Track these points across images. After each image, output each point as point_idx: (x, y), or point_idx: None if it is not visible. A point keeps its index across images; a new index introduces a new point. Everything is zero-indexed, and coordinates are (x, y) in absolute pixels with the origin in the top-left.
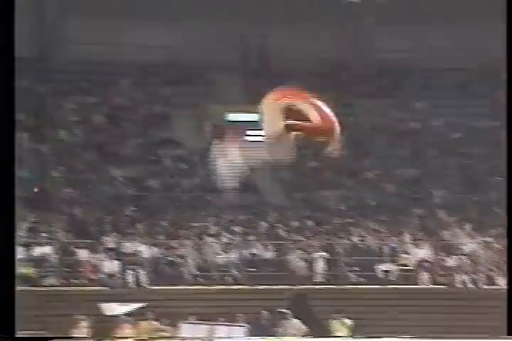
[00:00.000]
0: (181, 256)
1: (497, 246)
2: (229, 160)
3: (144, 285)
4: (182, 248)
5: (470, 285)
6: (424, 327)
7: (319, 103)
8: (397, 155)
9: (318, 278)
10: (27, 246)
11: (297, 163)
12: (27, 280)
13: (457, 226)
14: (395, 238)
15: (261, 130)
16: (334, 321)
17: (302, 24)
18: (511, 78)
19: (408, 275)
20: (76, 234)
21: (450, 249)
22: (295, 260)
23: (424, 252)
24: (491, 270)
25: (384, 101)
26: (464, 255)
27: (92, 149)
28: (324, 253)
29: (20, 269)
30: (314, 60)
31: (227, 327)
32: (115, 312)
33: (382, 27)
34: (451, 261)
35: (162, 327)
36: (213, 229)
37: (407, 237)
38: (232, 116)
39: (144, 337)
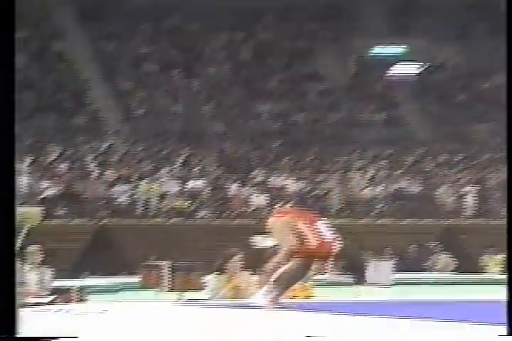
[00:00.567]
0: (327, 190)
1: None
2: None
3: None
4: (327, 182)
5: None
6: None
7: (320, 225)
8: None
9: (468, 213)
10: (181, 179)
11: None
12: (181, 212)
13: None
14: None
15: (407, 63)
16: (485, 256)
17: None
18: (511, 78)
19: None
20: (226, 168)
21: None
22: (444, 194)
23: None
24: None
25: None
26: None
27: (239, 85)
28: (475, 188)
29: (175, 202)
30: None
31: (374, 261)
32: (264, 245)
33: None
34: None
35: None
36: (358, 164)
37: None
38: (378, 50)
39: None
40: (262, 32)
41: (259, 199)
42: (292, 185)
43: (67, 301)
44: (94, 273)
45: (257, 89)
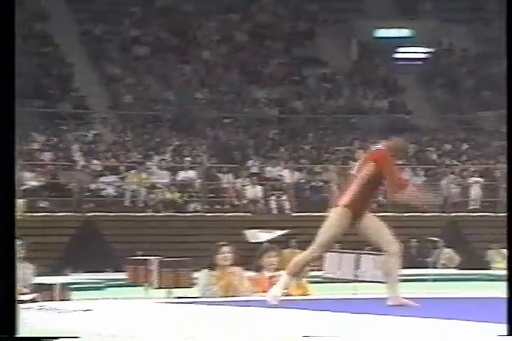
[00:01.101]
0: (325, 181)
1: None
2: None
3: (287, 211)
4: (326, 173)
5: None
6: None
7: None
8: None
9: (474, 205)
10: (172, 170)
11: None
12: (172, 205)
13: None
14: None
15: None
16: (491, 251)
17: None
18: (511, 77)
19: None
20: (219, 158)
21: None
22: (448, 185)
23: None
24: None
25: None
26: None
27: (235, 69)
28: (480, 179)
29: (166, 194)
30: None
31: (372, 257)
32: (258, 239)
33: None
34: None
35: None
36: (359, 154)
37: None
38: (382, 32)
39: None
40: (259, 13)
41: (254, 191)
42: (290, 176)
43: (50, 299)
44: (78, 268)
45: (254, 74)
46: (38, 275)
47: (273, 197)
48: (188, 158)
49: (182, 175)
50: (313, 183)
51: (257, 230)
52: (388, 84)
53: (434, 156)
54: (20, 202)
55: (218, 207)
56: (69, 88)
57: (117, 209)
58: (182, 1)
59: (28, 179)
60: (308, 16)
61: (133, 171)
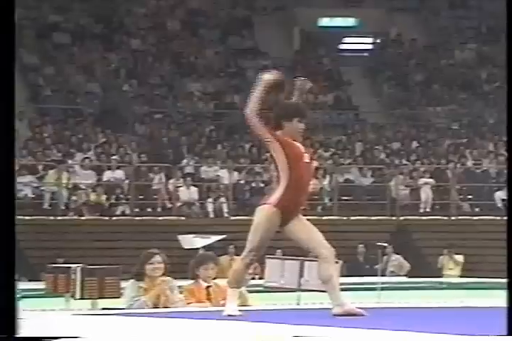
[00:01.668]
0: (267, 182)
1: None
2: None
3: (225, 215)
4: (267, 173)
5: None
6: None
7: None
8: None
9: (425, 208)
10: (97, 169)
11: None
12: (97, 207)
13: None
14: None
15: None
16: (443, 257)
17: None
18: (511, 78)
19: None
20: (150, 156)
21: None
22: (397, 187)
23: None
24: None
25: None
26: None
27: (166, 60)
28: (431, 180)
29: (90, 195)
30: None
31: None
32: (193, 245)
33: None
34: None
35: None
36: None
37: None
38: (326, 21)
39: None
40: None
41: (188, 193)
42: (228, 176)
43: None
44: None
45: (187, 66)
46: None
47: (209, 200)
48: (114, 157)
49: (108, 175)
50: (254, 184)
51: (192, 235)
52: (333, 77)
53: (382, 155)
54: None
55: (149, 210)
56: None
57: (35, 212)
58: None
59: None
60: (246, 3)
61: (52, 170)
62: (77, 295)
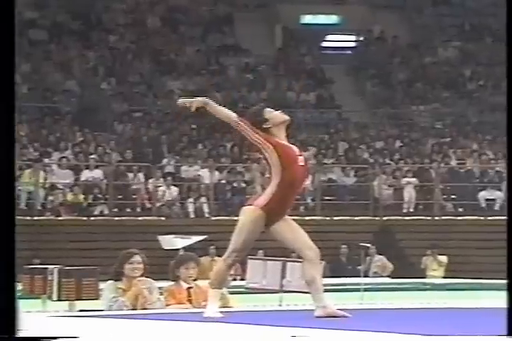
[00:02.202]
0: (248, 182)
1: None
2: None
3: (206, 215)
4: (249, 172)
5: None
6: None
7: None
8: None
9: (408, 208)
10: (74, 168)
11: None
12: (75, 207)
13: None
14: (501, 161)
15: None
16: (426, 258)
17: None
18: (511, 78)
19: None
20: (129, 155)
21: None
22: (380, 186)
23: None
24: None
25: None
26: None
27: (146, 57)
28: (414, 179)
29: (67, 195)
30: None
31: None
32: (174, 246)
33: None
34: None
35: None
36: None
37: None
38: (308, 19)
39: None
40: None
41: (168, 193)
42: (208, 176)
43: None
44: None
45: (167, 63)
46: None
47: (190, 200)
48: (93, 156)
49: (86, 174)
50: (235, 184)
51: (172, 236)
52: (315, 75)
53: (365, 155)
54: None
55: (128, 210)
56: None
57: None
58: None
59: None
60: (227, 0)
61: (28, 170)
62: (54, 297)
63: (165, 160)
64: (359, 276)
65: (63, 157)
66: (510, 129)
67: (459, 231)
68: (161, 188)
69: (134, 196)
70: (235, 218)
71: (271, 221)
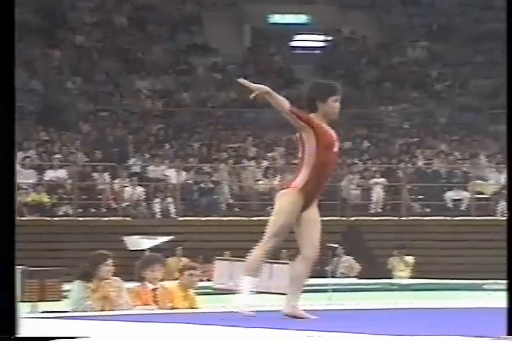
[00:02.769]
0: (216, 183)
1: None
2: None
3: (173, 215)
4: (216, 173)
5: None
6: (500, 265)
7: None
8: (474, 63)
9: (376, 208)
10: (38, 168)
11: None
12: (39, 208)
13: None
14: (468, 161)
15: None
16: (393, 258)
17: None
18: (511, 77)
19: (484, 205)
20: (94, 155)
21: None
22: (348, 186)
23: (504, 177)
24: None
25: None
26: None
27: (113, 56)
28: (382, 179)
29: (31, 195)
30: None
31: (268, 265)
32: (140, 247)
33: None
34: None
35: (192, 264)
36: (253, 151)
37: (483, 160)
38: (277, 18)
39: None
40: None
41: (135, 193)
42: (176, 176)
43: None
44: None
45: (134, 62)
46: None
47: (157, 200)
48: (57, 156)
49: (50, 174)
50: (203, 184)
51: (138, 236)
52: (284, 75)
53: None
54: None
55: (93, 210)
56: None
57: None
58: None
59: None
60: None
61: None
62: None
63: (131, 160)
64: (326, 277)
65: (27, 156)
66: (510, 129)
67: (425, 232)
68: (127, 188)
69: (100, 196)
70: (203, 218)
71: (306, 204)
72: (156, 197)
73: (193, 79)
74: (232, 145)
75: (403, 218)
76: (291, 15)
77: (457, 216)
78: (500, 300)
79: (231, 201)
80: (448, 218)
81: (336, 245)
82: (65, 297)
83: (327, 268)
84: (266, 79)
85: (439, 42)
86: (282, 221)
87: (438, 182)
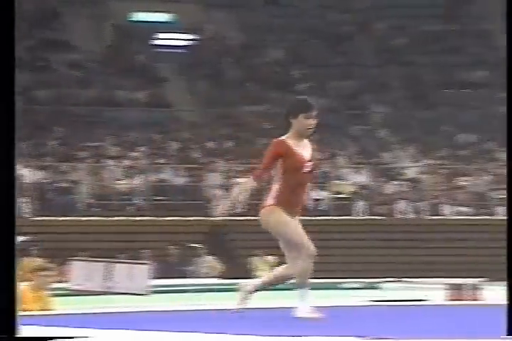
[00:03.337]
0: (74, 182)
1: (443, 170)
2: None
3: (27, 215)
4: (75, 172)
5: (412, 215)
6: (359, 264)
7: None
8: (333, 64)
9: (238, 209)
10: None
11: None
12: None
13: (400, 147)
14: (327, 161)
15: (172, 32)
16: (255, 258)
17: None
18: (511, 77)
19: (342, 205)
20: None
21: (391, 174)
22: (212, 186)
23: (361, 178)
24: (435, 197)
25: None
26: (407, 180)
27: None
28: (246, 179)
29: None
30: None
31: (127, 266)
32: None
33: None
34: (391, 188)
35: (46, 265)
36: (113, 150)
37: (341, 160)
38: (140, 16)
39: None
40: None
41: None
42: (31, 175)
43: None
44: None
45: None
46: None
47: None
48: None
49: None
50: (60, 184)
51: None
52: (147, 74)
53: (197, 155)
54: None
55: None
56: None
57: None
58: None
59: None
60: None
61: None
62: None
63: None
64: (188, 277)
65: None
66: (510, 129)
67: None
68: None
69: None
70: (60, 218)
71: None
72: None
73: (51, 76)
74: (91, 144)
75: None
76: (156, 14)
77: (317, 216)
78: (356, 298)
79: (91, 201)
80: (308, 218)
81: (198, 245)
82: None
83: (189, 268)
84: (128, 77)
85: (300, 43)
86: (293, 230)
87: None
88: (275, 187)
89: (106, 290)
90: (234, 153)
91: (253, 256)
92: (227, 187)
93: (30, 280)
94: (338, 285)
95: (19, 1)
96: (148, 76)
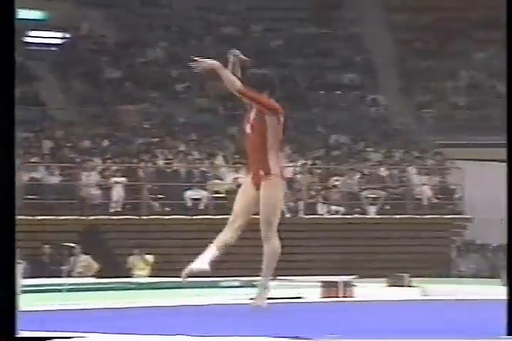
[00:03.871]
0: None
1: (318, 170)
2: None
3: None
4: None
5: (287, 215)
6: (238, 263)
7: None
8: None
9: (116, 207)
10: None
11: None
12: None
13: None
14: (207, 161)
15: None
16: (133, 257)
17: None
18: (511, 77)
19: (221, 204)
20: None
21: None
22: (87, 186)
23: (240, 177)
24: (311, 197)
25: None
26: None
27: None
28: (122, 179)
29: None
30: None
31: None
32: None
33: None
34: None
35: None
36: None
37: (220, 160)
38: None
39: None
40: None
41: None
42: None
43: None
44: None
45: None
46: None
47: None
48: None
49: None
50: None
51: None
52: (20, 72)
53: (72, 154)
54: None
55: None
56: None
57: None
58: None
59: None
60: None
61: None
62: None
63: None
64: (62, 276)
65: None
66: (510, 129)
67: (166, 231)
68: None
69: None
70: None
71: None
72: None
73: None
74: None
75: (144, 217)
76: (27, 11)
77: (196, 215)
78: (234, 296)
79: None
80: (187, 217)
81: (72, 244)
82: None
83: (63, 267)
84: None
85: (178, 44)
86: (279, 210)
87: (178, 182)
88: (272, 156)
89: None
90: (110, 152)
91: (131, 254)
92: (103, 187)
93: None
94: (217, 284)
95: None
96: (21, 74)
